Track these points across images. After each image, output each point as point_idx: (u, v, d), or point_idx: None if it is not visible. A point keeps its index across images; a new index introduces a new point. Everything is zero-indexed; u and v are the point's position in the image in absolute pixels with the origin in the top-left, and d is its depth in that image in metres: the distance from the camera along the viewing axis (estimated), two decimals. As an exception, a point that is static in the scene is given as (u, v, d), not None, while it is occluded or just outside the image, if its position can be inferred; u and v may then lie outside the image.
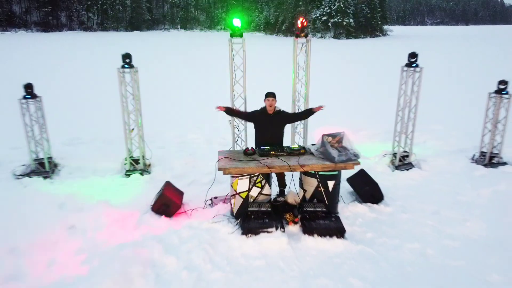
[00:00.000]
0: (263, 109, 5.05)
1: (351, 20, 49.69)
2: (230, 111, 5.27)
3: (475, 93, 9.82)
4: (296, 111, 6.15)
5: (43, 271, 3.94)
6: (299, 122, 6.30)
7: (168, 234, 4.51)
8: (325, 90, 13.26)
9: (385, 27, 61.50)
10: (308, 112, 5.32)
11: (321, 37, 50.87)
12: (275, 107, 5.02)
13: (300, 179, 5.05)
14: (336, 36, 50.21)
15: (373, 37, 53.83)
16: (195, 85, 14.88)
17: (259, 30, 69.12)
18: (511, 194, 5.55)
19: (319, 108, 5.21)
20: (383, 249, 4.34)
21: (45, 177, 6.22)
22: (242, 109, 5.87)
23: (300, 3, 54.63)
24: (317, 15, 51.37)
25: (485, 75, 17.14)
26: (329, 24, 49.87)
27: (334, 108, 10.68)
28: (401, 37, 52.36)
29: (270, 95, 4.93)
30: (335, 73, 18.53)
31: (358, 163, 4.69)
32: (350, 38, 50.35)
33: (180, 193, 5.37)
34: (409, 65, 6.27)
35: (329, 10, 49.45)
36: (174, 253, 4.17)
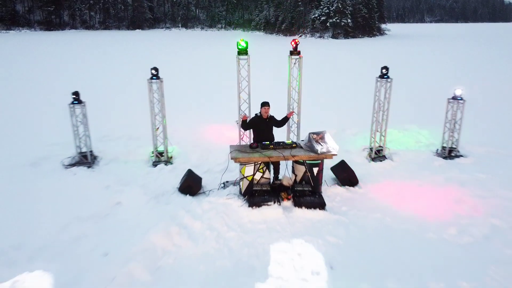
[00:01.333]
0: (260, 116, 6.53)
1: (349, 20, 51.04)
2: (244, 124, 6.72)
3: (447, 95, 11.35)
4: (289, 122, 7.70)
5: (104, 234, 5.44)
6: (293, 122, 7.84)
7: (193, 207, 6.02)
8: (316, 91, 14.75)
9: (383, 26, 62.77)
10: (285, 119, 6.84)
11: (320, 36, 52.24)
12: (268, 113, 6.54)
13: (292, 166, 6.57)
14: (334, 36, 51.58)
15: (371, 36, 55.18)
16: (203, 87, 16.34)
17: (259, 29, 70.37)
18: (458, 179, 7.07)
19: (291, 113, 6.88)
20: (353, 218, 5.85)
21: (88, 167, 7.73)
22: (247, 111, 7.44)
23: (299, 3, 55.94)
24: (316, 15, 52.75)
25: (462, 77, 18.61)
26: (328, 24, 51.23)
27: (323, 109, 12.19)
28: (397, 37, 53.76)
29: (266, 104, 6.43)
30: (327, 74, 19.99)
31: (336, 154, 6.20)
32: (348, 38, 51.71)
33: (199, 178, 6.88)
34: (381, 76, 7.77)
35: (327, 11, 50.83)
36: (199, 219, 5.69)
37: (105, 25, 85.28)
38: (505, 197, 6.36)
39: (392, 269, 4.63)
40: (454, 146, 8.23)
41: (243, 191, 6.29)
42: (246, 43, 7.28)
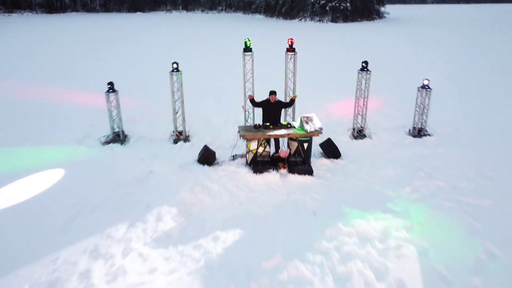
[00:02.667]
0: (268, 100, 8.18)
1: (348, 5, 51.80)
2: (253, 102, 8.36)
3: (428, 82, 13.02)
4: (287, 101, 9.32)
5: (145, 192, 7.20)
6: (290, 108, 9.52)
7: (210, 173, 7.78)
8: (310, 77, 16.30)
9: (382, 9, 63.22)
10: (291, 101, 8.50)
11: (319, 20, 53.08)
12: (275, 99, 8.19)
13: (287, 143, 8.29)
14: (333, 20, 52.44)
15: (370, 20, 55.93)
16: (211, 75, 17.89)
17: (259, 12, 70.78)
18: (421, 153, 8.80)
19: (294, 97, 8.45)
20: (334, 182, 7.60)
21: (121, 144, 9.45)
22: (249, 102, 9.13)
23: (299, -14, 56.50)
24: (316, -1, 53.43)
25: (442, 64, 20.11)
26: (327, 8, 52.04)
27: (315, 95, 13.78)
28: (395, 21, 54.54)
29: (273, 93, 8.07)
30: (321, 60, 21.47)
31: (321, 133, 7.89)
32: (347, 22, 52.57)
33: (214, 152, 8.60)
34: (362, 69, 9.39)
35: (327, -5, 51.53)
36: (215, 182, 7.45)
37: (105, 8, 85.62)
38: (454, 166, 8.11)
39: (360, 214, 6.39)
40: (422, 127, 9.93)
41: (248, 161, 8.03)
42: (250, 42, 8.90)
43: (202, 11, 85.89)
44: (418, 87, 9.74)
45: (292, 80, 9.33)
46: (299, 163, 7.92)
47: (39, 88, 15.19)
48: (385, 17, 61.52)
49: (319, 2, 52.29)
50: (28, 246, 5.56)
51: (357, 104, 9.78)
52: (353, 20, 53.46)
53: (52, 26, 45.06)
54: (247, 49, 9.01)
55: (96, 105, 11.97)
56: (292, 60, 9.19)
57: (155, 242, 5.74)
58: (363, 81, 9.50)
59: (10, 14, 75.06)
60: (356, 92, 9.73)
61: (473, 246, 5.58)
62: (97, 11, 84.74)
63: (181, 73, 9.34)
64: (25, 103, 12.93)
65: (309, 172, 7.76)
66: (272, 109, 8.18)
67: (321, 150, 8.96)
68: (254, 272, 5.07)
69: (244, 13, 76.87)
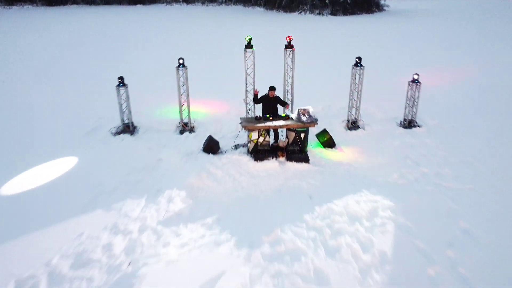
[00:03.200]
0: (267, 95, 8.84)
1: (348, -3, 52.05)
2: (255, 97, 9.00)
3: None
4: (284, 97, 9.96)
5: (155, 178, 7.89)
6: (287, 100, 10.16)
7: (215, 161, 8.46)
8: (308, 71, 16.91)
9: (382, 2, 63.26)
10: (284, 103, 9.08)
11: (319, 13, 53.33)
12: (274, 94, 8.84)
13: (286, 133, 8.96)
14: (333, 13, 52.70)
15: (369, 13, 56.12)
16: (212, 67, 18.49)
17: (260, 4, 70.82)
18: (409, 143, 9.48)
19: (287, 106, 9.04)
20: (328, 168, 8.29)
21: (131, 134, 10.12)
22: (251, 95, 9.77)
23: (299, -21, 56.62)
24: (316, -9, 53.58)
25: (435, 58, 20.69)
26: (327, 1, 52.29)
27: (314, 88, 14.39)
28: (394, 14, 54.75)
29: (272, 89, 8.71)
30: (320, 53, 22.03)
31: (317, 124, 8.56)
32: (347, 15, 52.83)
33: (217, 142, 9.28)
34: (355, 64, 10.03)
35: (327, -13, 51.70)
36: (220, 169, 8.14)
37: (106, 0, 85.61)
38: (439, 155, 8.80)
39: (351, 196, 7.09)
40: (413, 119, 10.59)
41: (250, 150, 8.72)
42: (250, 39, 9.53)
43: (203, 3, 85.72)
44: (409, 81, 10.38)
45: (291, 75, 9.97)
46: (296, 151, 8.61)
47: (46, 82, 15.80)
48: (384, 9, 61.64)
49: (319, -6, 52.54)
50: (56, 223, 6.27)
51: (351, 97, 10.43)
52: (352, 13, 53.68)
53: (55, 20, 45.38)
54: (248, 45, 9.63)
55: (104, 98, 12.62)
56: (291, 56, 9.82)
57: (167, 221, 6.46)
58: (357, 76, 10.14)
59: (10, 7, 75.14)
60: (351, 86, 10.38)
61: (449, 224, 6.29)
62: (97, 4, 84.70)
63: (186, 68, 9.98)
64: (35, 97, 13.56)
65: (306, 160, 8.45)
66: (271, 103, 8.84)
67: (316, 140, 9.63)
68: (255, 244, 5.78)
69: (244, 5, 76.78)
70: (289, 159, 8.45)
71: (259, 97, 8.92)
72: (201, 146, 9.28)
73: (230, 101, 12.59)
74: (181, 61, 9.84)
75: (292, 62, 9.86)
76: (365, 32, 32.46)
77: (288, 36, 9.70)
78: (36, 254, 5.57)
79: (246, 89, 10.04)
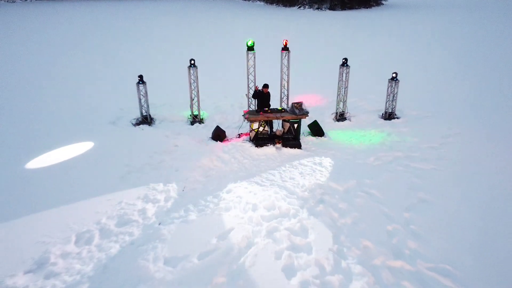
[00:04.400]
0: (262, 91, 10.44)
1: (346, -8, 53.27)
2: (254, 93, 10.59)
3: (405, 72, 15.10)
4: (280, 93, 11.56)
5: (173, 160, 9.53)
6: (284, 95, 11.76)
7: (222, 147, 10.11)
8: (302, 66, 18.47)
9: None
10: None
11: (318, 8, 54.57)
12: (267, 91, 10.45)
13: (282, 123, 10.59)
14: (332, 7, 53.96)
15: (367, 7, 57.34)
16: (215, 63, 20.03)
17: (260, -2, 71.83)
18: (387, 131, 11.10)
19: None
20: (317, 153, 9.93)
21: (149, 125, 11.75)
22: (252, 92, 11.37)
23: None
24: (315, -14, 54.75)
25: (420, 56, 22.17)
26: (325, -4, 53.54)
27: (308, 83, 15.96)
28: (391, 8, 55.94)
29: (266, 86, 10.31)
30: (313, 50, 23.54)
31: (308, 115, 10.18)
32: (345, 9, 54.08)
33: (224, 131, 10.90)
34: (342, 64, 11.62)
35: (325, -18, 52.85)
36: (226, 153, 9.77)
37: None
38: (412, 141, 10.44)
39: (334, 175, 8.74)
40: (392, 111, 12.20)
41: (252, 138, 10.35)
42: (253, 42, 11.10)
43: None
44: (389, 79, 11.97)
45: (287, 74, 11.56)
46: (290, 139, 10.25)
47: (61, 76, 17.38)
48: (383, 3, 62.78)
49: (318, -11, 53.74)
50: (100, 192, 7.95)
51: (339, 92, 12.03)
52: (351, 7, 54.93)
53: (60, 16, 46.67)
54: (250, 48, 11.21)
55: (120, 91, 14.22)
56: (286, 57, 11.40)
57: (186, 193, 8.12)
58: (344, 74, 11.73)
59: (13, 1, 76.24)
60: (338, 83, 11.98)
61: (410, 195, 7.94)
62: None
63: (196, 67, 11.56)
64: (60, 90, 15.17)
65: (298, 146, 10.09)
66: (265, 98, 10.46)
67: (308, 130, 11.26)
68: (256, 210, 7.44)
69: (244, -1, 77.87)
70: (285, 145, 10.10)
71: (255, 90, 10.57)
72: (210, 134, 10.91)
73: (234, 96, 14.17)
74: (192, 62, 11.42)
75: (288, 63, 11.43)
76: (360, 27, 33.83)
77: (285, 40, 11.26)
78: (88, 215, 7.24)
79: (248, 86, 11.64)
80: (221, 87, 15.76)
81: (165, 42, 27.13)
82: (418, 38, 27.93)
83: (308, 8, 55.52)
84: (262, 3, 68.95)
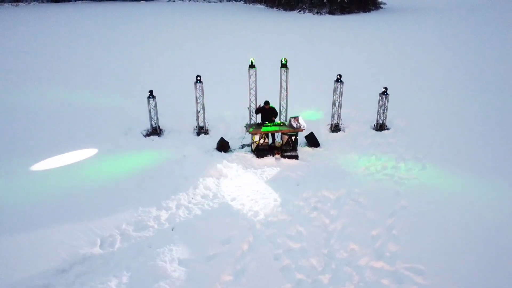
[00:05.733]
0: (263, 107, 11.44)
1: (345, -4, 54.24)
2: (257, 110, 11.60)
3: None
4: (280, 106, 12.56)
5: (183, 169, 10.54)
6: (283, 109, 12.77)
7: (226, 157, 11.12)
8: (299, 78, 19.45)
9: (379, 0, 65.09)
10: (274, 116, 11.66)
11: (317, 12, 55.52)
12: (269, 106, 11.45)
13: (281, 136, 11.60)
14: (331, 12, 54.90)
15: (366, 11, 58.24)
16: (217, 73, 21.02)
17: (260, 1, 72.78)
18: (377, 142, 12.10)
19: (273, 119, 11.58)
20: (313, 163, 10.94)
21: (158, 135, 12.76)
22: (253, 104, 12.38)
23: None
24: (314, -10, 55.65)
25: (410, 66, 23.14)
26: (325, 0, 54.47)
27: (305, 95, 16.91)
28: (390, 12, 56.85)
29: (267, 103, 11.31)
30: (310, 59, 24.51)
31: (304, 129, 11.19)
32: (344, 14, 55.02)
33: (227, 142, 11.90)
34: (336, 80, 12.63)
35: (325, -13, 53.77)
36: (230, 162, 10.79)
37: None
38: (398, 151, 11.40)
39: (327, 184, 9.73)
40: (383, 123, 13.21)
41: (253, 149, 11.37)
42: (253, 60, 12.11)
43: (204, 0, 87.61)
44: (379, 93, 12.97)
45: (285, 88, 12.57)
46: (288, 150, 11.27)
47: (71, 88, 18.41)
48: (381, 7, 63.63)
49: (318, -6, 54.68)
50: (118, 200, 8.96)
51: (333, 105, 13.04)
52: (350, 11, 55.83)
53: (66, 18, 47.64)
54: (252, 65, 12.21)
55: (130, 101, 15.24)
56: (285, 73, 12.40)
57: (195, 201, 9.13)
58: (338, 89, 12.74)
59: (17, 4, 77.22)
60: (333, 97, 12.98)
61: (393, 203, 8.95)
62: (102, 0, 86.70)
63: (202, 83, 12.57)
64: (68, 103, 16.19)
65: (296, 157, 11.12)
66: (267, 113, 11.48)
67: (305, 141, 12.27)
68: (257, 217, 8.45)
69: (245, 2, 78.81)
70: (283, 156, 11.12)
71: (257, 108, 11.60)
72: (215, 145, 11.93)
73: (236, 108, 15.14)
74: (198, 78, 12.43)
75: (287, 78, 12.44)
76: (357, 33, 34.76)
77: (285, 58, 12.25)
78: (110, 221, 8.25)
79: (250, 99, 12.65)
80: (224, 96, 16.73)
81: (168, 50, 28.14)
82: (413, 45, 28.87)
83: (308, 12, 56.46)
84: (262, 6, 69.87)
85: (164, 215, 8.59)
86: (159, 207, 8.82)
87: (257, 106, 11.58)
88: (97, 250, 7.55)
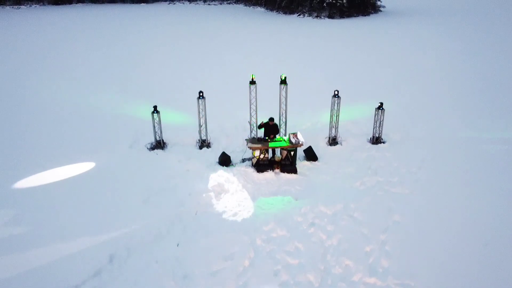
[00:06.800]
0: (268, 123, 11.90)
1: (345, 1, 54.67)
2: (260, 125, 12.06)
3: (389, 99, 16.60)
4: (279, 121, 13.03)
5: (187, 182, 11.03)
6: (283, 125, 13.24)
7: (228, 171, 11.59)
8: (297, 89, 19.91)
9: (378, 2, 65.50)
10: (276, 132, 12.13)
11: (317, 16, 55.97)
12: (273, 122, 11.91)
13: (280, 151, 12.07)
14: (330, 16, 55.35)
15: (365, 15, 58.66)
16: (218, 83, 21.48)
17: (260, 4, 73.25)
18: (373, 156, 12.57)
19: (272, 136, 12.02)
20: (310, 177, 11.41)
21: (162, 149, 13.24)
22: (254, 118, 12.84)
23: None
24: (314, -6, 56.09)
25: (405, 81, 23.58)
26: (324, 4, 54.94)
27: (304, 107, 17.34)
28: (390, 15, 57.25)
29: (272, 119, 11.77)
30: (310, 68, 24.97)
31: (302, 145, 11.66)
32: (344, 18, 55.47)
33: (229, 156, 12.37)
34: (334, 96, 13.10)
35: (324, -10, 54.24)
36: (232, 177, 11.27)
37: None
38: (393, 165, 11.89)
39: (324, 199, 10.20)
40: (379, 136, 13.68)
41: (253, 164, 11.85)
42: (254, 76, 12.59)
43: (205, 1, 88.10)
44: (375, 108, 13.44)
45: (285, 104, 13.04)
46: (287, 165, 11.74)
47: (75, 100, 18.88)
48: (381, 10, 64.01)
49: (317, -2, 55.15)
50: (126, 214, 9.43)
51: (331, 120, 13.52)
52: (349, 15, 56.26)
53: (68, 20, 48.06)
54: (252, 82, 12.69)
55: (136, 116, 15.71)
56: (284, 89, 12.87)
57: (198, 216, 9.61)
58: (336, 104, 13.22)
59: (19, 7, 77.65)
60: (331, 111, 13.46)
61: (387, 218, 9.43)
62: (102, 2, 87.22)
63: (204, 99, 13.05)
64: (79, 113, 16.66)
65: (294, 171, 11.60)
66: (270, 129, 11.95)
67: (303, 154, 12.74)
68: (258, 233, 8.93)
69: (245, 4, 79.26)
70: (282, 171, 11.60)
71: (261, 123, 12.10)
72: (217, 159, 12.40)
73: (237, 122, 15.59)
74: (200, 94, 12.90)
75: (286, 94, 12.91)
76: (356, 39, 35.17)
77: (284, 76, 12.72)
78: (118, 237, 8.73)
79: (250, 114, 13.12)
80: (226, 108, 17.20)
81: (171, 60, 28.61)
82: (411, 51, 29.28)
83: (307, 16, 56.91)
84: (262, 9, 70.32)
85: (169, 230, 9.06)
86: (164, 223, 9.29)
87: (261, 123, 12.05)
88: (107, 265, 8.04)
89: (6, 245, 8.49)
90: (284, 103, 13.06)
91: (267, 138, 11.90)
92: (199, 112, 13.17)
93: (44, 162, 12.01)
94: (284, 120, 13.32)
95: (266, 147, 11.63)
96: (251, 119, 13.29)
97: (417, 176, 11.33)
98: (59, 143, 13.53)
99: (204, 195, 10.42)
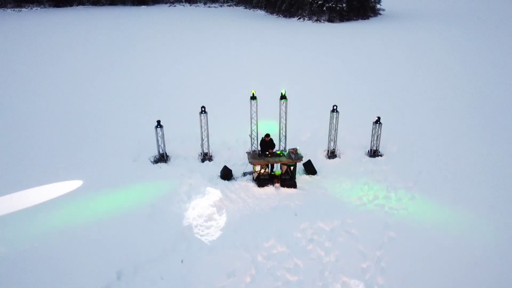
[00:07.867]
0: (264, 139, 12.28)
1: (344, 5, 55.03)
2: (261, 143, 12.44)
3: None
4: (279, 134, 13.41)
5: (190, 197, 11.39)
6: (283, 139, 13.60)
7: (229, 186, 11.95)
8: (296, 100, 20.26)
9: (378, 6, 65.82)
10: (271, 147, 12.51)
11: (317, 20, 56.31)
12: (269, 138, 12.28)
13: (280, 166, 12.44)
14: (330, 20, 55.70)
15: (365, 19, 58.99)
16: (220, 95, 21.83)
17: (261, 7, 73.58)
18: (370, 169, 12.94)
19: (270, 151, 12.39)
20: (310, 191, 11.77)
21: (165, 162, 13.61)
22: (254, 131, 13.21)
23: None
24: (314, -2, 56.45)
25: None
26: (324, 8, 55.27)
27: (303, 118, 17.68)
28: (389, 19, 57.56)
29: (267, 136, 12.15)
30: (308, 78, 25.33)
31: (302, 160, 12.03)
32: (343, 21, 55.81)
33: (230, 170, 12.73)
34: (332, 110, 13.46)
35: (324, -6, 54.61)
36: (233, 192, 11.63)
37: (110, 1, 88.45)
38: (389, 180, 12.26)
39: (322, 214, 10.57)
40: (377, 149, 14.05)
41: (254, 178, 12.22)
42: (254, 92, 12.96)
43: (205, 4, 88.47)
44: (373, 122, 13.81)
45: (285, 118, 13.41)
46: (287, 180, 12.12)
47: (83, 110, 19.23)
48: (380, 14, 64.33)
49: (317, 2, 55.47)
50: (132, 230, 9.78)
51: (330, 133, 13.89)
52: (349, 19, 56.61)
53: (70, 23, 48.39)
54: (253, 97, 13.05)
55: (140, 129, 16.08)
56: (284, 104, 13.23)
57: (200, 231, 9.98)
58: (334, 119, 13.59)
59: (20, 9, 77.93)
60: (330, 125, 13.83)
61: (382, 234, 9.79)
62: (103, 4, 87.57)
63: (206, 113, 13.41)
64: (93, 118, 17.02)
65: (294, 186, 11.98)
66: (267, 145, 12.32)
67: (303, 168, 13.10)
68: (258, 249, 9.30)
69: (245, 7, 79.57)
70: (282, 185, 11.97)
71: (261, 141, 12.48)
72: (219, 172, 12.76)
73: (238, 135, 15.90)
74: (203, 108, 13.27)
75: (286, 109, 13.27)
76: (355, 44, 35.51)
77: (284, 91, 13.09)
78: (125, 254, 9.09)
79: (251, 128, 13.49)
80: (227, 121, 17.54)
81: (173, 71, 28.98)
82: (408, 56, 29.65)
83: (307, 20, 57.23)
84: (263, 12, 70.62)
85: (174, 246, 9.42)
86: (169, 239, 9.66)
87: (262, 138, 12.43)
88: (114, 282, 8.40)
89: (14, 260, 8.84)
90: (284, 118, 13.42)
91: (267, 153, 12.26)
92: (201, 127, 13.54)
93: (44, 176, 12.37)
94: (284, 134, 13.68)
95: (267, 162, 12.00)
96: (251, 133, 13.65)
97: (412, 191, 11.69)
98: (61, 157, 13.88)
99: (206, 210, 10.78)
